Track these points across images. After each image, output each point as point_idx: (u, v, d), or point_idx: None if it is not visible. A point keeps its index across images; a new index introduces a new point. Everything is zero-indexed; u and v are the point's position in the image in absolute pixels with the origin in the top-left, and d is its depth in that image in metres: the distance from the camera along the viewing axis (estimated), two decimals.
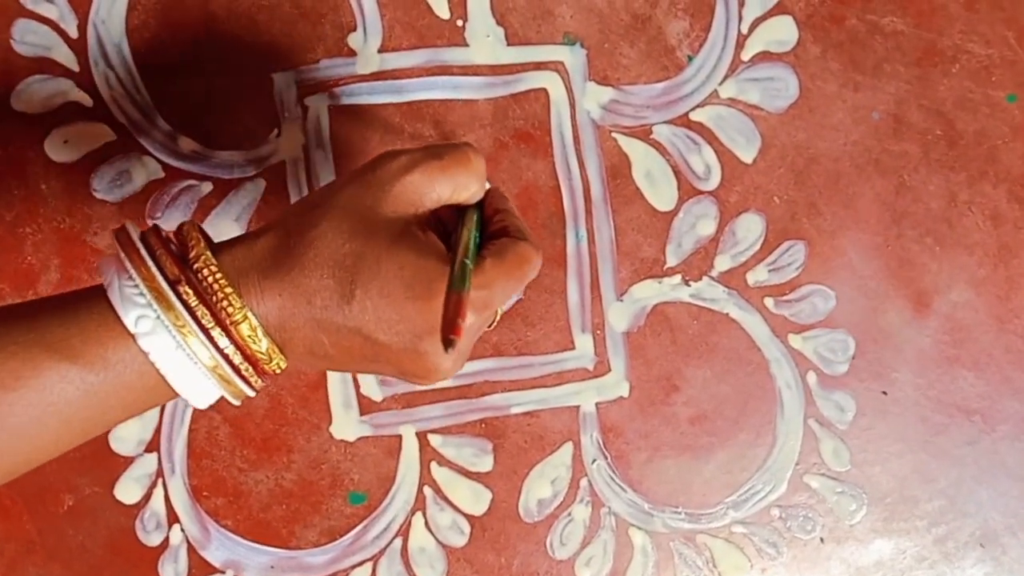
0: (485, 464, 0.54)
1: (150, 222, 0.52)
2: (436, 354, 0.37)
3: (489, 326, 0.43)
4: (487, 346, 0.54)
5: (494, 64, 0.54)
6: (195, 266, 0.36)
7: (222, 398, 0.38)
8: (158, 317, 0.34)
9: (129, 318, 0.34)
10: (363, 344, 0.37)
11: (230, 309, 0.35)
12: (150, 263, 0.35)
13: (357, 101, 0.54)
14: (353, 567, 0.54)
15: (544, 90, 0.55)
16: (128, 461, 0.53)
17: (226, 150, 0.53)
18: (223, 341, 0.35)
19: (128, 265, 0.35)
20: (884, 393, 0.56)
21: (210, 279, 0.35)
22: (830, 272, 0.56)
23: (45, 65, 0.52)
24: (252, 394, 0.38)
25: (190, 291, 0.35)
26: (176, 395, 0.37)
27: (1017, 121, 0.56)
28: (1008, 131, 0.56)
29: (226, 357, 0.36)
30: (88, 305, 0.35)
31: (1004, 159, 0.56)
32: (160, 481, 0.53)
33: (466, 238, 0.38)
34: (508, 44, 0.54)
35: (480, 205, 0.42)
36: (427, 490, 0.54)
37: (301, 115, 0.53)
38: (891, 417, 0.56)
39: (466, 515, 0.54)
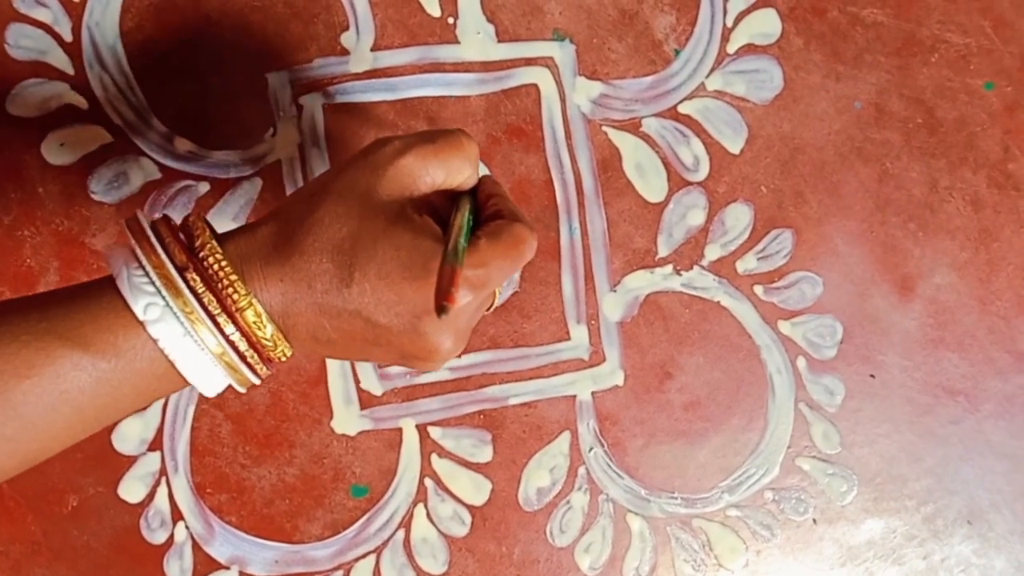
0: (484, 455, 0.55)
1: None
2: (435, 333, 0.38)
3: (488, 309, 0.43)
4: (484, 339, 0.55)
5: (485, 61, 0.55)
6: (201, 254, 0.36)
7: (229, 388, 0.38)
8: (166, 304, 0.35)
9: (138, 306, 0.35)
10: (364, 327, 0.37)
11: (235, 296, 0.36)
12: (160, 250, 0.35)
13: (351, 99, 0.54)
14: (357, 559, 0.54)
15: (535, 85, 0.55)
16: (131, 460, 0.53)
17: (222, 150, 0.53)
18: (229, 328, 0.36)
19: (139, 252, 0.35)
20: (872, 376, 0.57)
21: (216, 267, 0.36)
22: (817, 259, 0.57)
23: (40, 69, 0.52)
24: (257, 381, 0.38)
25: (197, 278, 0.35)
26: (185, 383, 0.37)
27: (995, 108, 0.58)
28: (986, 118, 0.58)
29: (232, 344, 0.36)
30: (98, 295, 0.36)
31: (983, 145, 0.58)
32: (164, 479, 0.53)
33: (460, 220, 0.39)
34: (498, 41, 0.55)
35: (474, 192, 0.43)
36: (428, 482, 0.55)
37: (296, 114, 0.54)
38: (879, 399, 0.57)
39: (467, 505, 0.55)
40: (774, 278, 0.57)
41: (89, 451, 0.53)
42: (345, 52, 0.54)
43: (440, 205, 0.42)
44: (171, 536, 0.53)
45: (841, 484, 0.57)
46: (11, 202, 0.52)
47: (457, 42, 0.55)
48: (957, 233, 0.58)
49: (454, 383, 0.55)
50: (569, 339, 0.56)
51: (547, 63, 0.55)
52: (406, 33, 0.55)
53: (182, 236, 0.37)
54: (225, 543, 0.54)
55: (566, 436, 0.56)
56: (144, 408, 0.53)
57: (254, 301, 0.36)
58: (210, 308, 0.36)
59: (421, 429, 0.55)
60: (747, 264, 0.57)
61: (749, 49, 0.57)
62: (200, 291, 0.35)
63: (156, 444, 0.53)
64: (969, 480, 0.58)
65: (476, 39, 0.55)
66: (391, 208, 0.38)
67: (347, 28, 0.54)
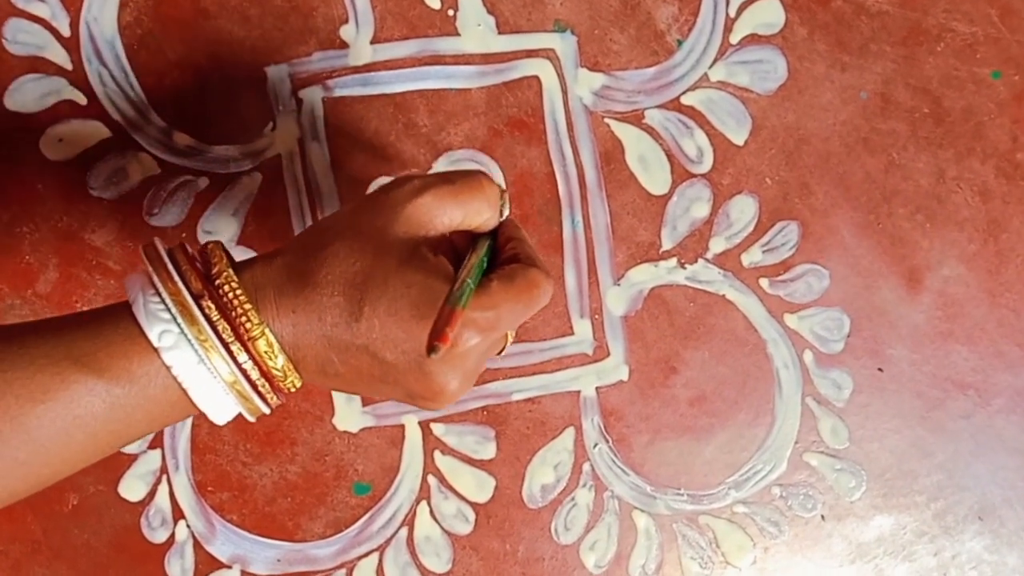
0: (488, 451, 0.55)
1: (148, 218, 0.53)
2: (441, 374, 0.37)
3: (499, 352, 0.43)
4: None
5: (486, 53, 0.55)
6: (216, 282, 0.36)
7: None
8: (181, 332, 0.35)
9: (153, 332, 0.35)
10: (371, 363, 0.37)
11: (248, 325, 0.36)
12: (176, 278, 0.36)
13: (351, 93, 0.54)
14: (360, 558, 0.54)
15: (536, 77, 0.55)
16: (132, 458, 0.53)
17: (221, 144, 0.53)
18: (242, 356, 0.36)
19: (155, 278, 0.36)
20: (880, 370, 0.57)
21: (231, 295, 0.36)
22: (823, 251, 0.56)
23: (38, 64, 0.52)
24: (267, 411, 0.38)
25: (212, 306, 0.36)
26: (197, 410, 0.37)
27: (1002, 97, 0.57)
28: (994, 107, 0.57)
29: (244, 373, 0.36)
30: (114, 320, 0.36)
31: (991, 135, 0.57)
32: (164, 477, 0.53)
33: (473, 262, 0.39)
34: (499, 32, 0.55)
35: (493, 233, 0.43)
36: (431, 479, 0.54)
37: (296, 108, 0.54)
38: (887, 393, 0.57)
39: (470, 503, 0.54)
40: (780, 271, 0.56)
41: None
42: (344, 45, 0.54)
43: (461, 245, 0.42)
44: (172, 535, 0.53)
45: (850, 480, 0.56)
46: (10, 198, 0.52)
47: (457, 34, 0.55)
48: (965, 224, 0.57)
49: None
50: (573, 334, 0.55)
51: (548, 55, 0.55)
52: (406, 25, 0.54)
53: (199, 263, 0.37)
54: (226, 542, 0.53)
55: (570, 432, 0.55)
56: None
57: (266, 331, 0.36)
58: (224, 336, 0.36)
59: (424, 426, 0.54)
60: (752, 257, 0.56)
61: (752, 39, 0.56)
62: (215, 319, 0.36)
63: (156, 442, 0.53)
64: (980, 476, 0.57)
65: (476, 31, 0.55)
66: (406, 246, 0.38)
67: (346, 21, 0.54)
